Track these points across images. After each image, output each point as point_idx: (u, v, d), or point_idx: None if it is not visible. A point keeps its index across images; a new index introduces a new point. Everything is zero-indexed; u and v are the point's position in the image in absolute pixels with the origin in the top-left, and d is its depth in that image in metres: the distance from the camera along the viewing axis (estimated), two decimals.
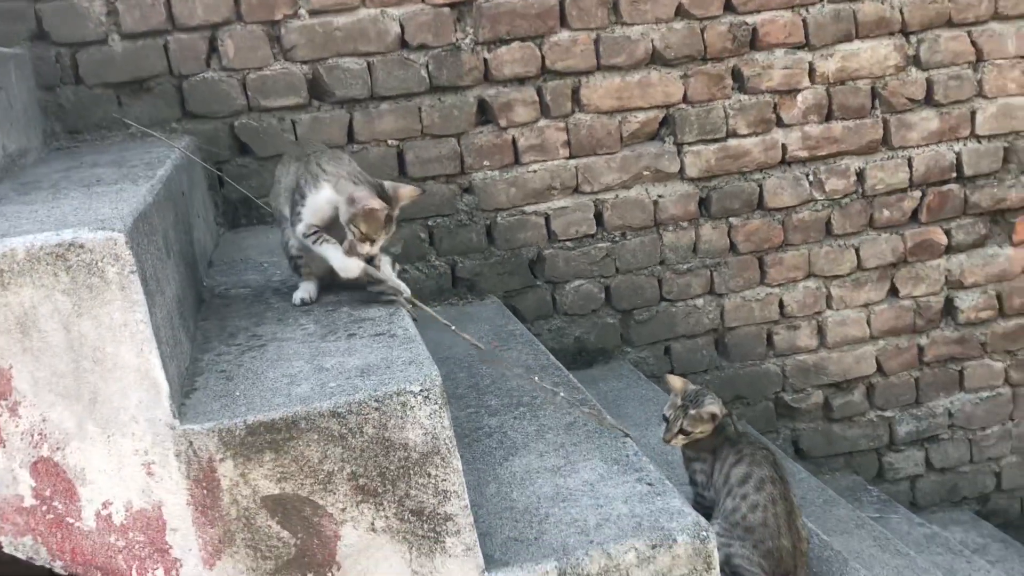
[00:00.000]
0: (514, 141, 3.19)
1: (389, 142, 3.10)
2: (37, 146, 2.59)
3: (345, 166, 2.01)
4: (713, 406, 2.18)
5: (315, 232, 1.97)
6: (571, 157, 3.24)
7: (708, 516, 2.15)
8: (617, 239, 3.34)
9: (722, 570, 1.85)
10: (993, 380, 3.79)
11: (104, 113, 2.88)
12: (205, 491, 1.52)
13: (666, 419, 2.24)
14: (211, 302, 2.15)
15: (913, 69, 3.45)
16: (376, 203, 1.89)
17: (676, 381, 2.28)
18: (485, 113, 3.17)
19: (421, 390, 1.55)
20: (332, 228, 1.98)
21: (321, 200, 1.96)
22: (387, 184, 2.00)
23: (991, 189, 3.60)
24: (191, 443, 1.50)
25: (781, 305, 3.54)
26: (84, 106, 2.87)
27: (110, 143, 2.73)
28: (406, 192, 2.00)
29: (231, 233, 2.92)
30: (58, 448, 1.48)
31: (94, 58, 2.87)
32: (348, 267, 1.95)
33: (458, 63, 3.09)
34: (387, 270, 2.08)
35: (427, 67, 3.08)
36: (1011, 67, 3.52)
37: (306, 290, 2.07)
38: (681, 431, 2.20)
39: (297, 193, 2.00)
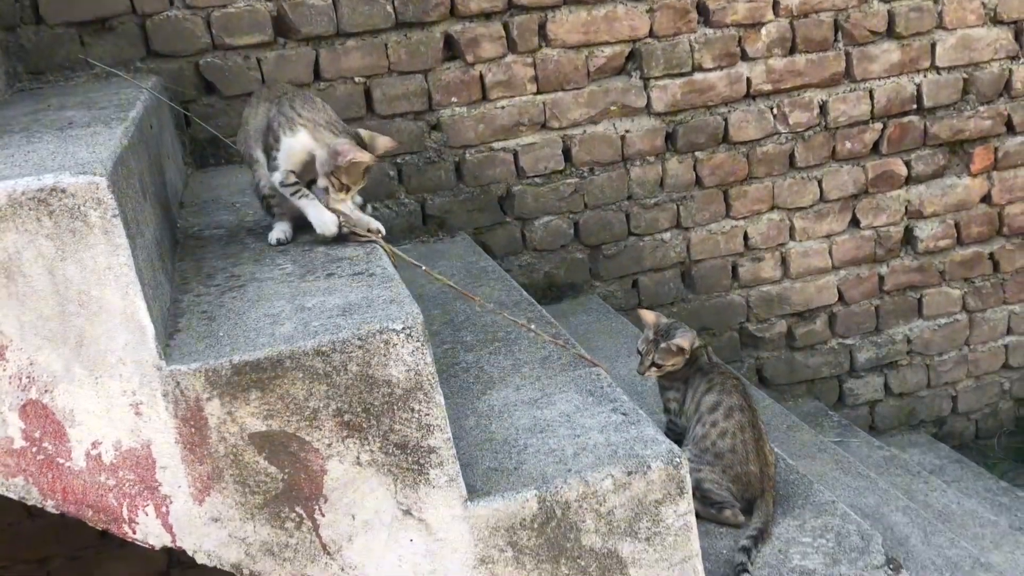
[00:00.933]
0: (481, 77, 3.19)
1: (356, 79, 3.09)
2: (1, 88, 2.56)
3: (321, 112, 2.00)
4: (682, 339, 2.23)
5: (295, 183, 1.97)
6: (538, 93, 3.25)
7: (679, 442, 2.22)
8: (585, 175, 3.36)
9: (692, 494, 1.92)
10: (951, 307, 3.89)
11: (67, 53, 2.84)
12: (193, 429, 1.55)
13: (640, 353, 2.29)
14: (186, 243, 2.15)
15: (875, 1, 3.47)
16: (364, 156, 1.90)
17: (648, 315, 2.33)
18: (452, 49, 3.16)
19: (403, 328, 1.58)
20: (304, 172, 1.99)
21: (297, 145, 1.96)
22: (363, 133, 2.01)
23: (950, 120, 3.66)
24: (178, 383, 1.52)
25: (745, 237, 3.59)
26: (46, 46, 2.83)
27: (75, 84, 2.69)
28: (383, 143, 2.01)
29: (200, 173, 2.91)
30: (46, 391, 1.50)
31: None
32: (327, 224, 1.98)
33: None
34: (357, 213, 2.09)
35: (393, 2, 3.06)
36: None
37: (281, 230, 2.08)
38: (653, 364, 2.25)
39: (271, 136, 1.99)
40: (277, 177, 1.99)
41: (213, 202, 2.50)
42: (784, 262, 3.66)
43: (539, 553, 1.71)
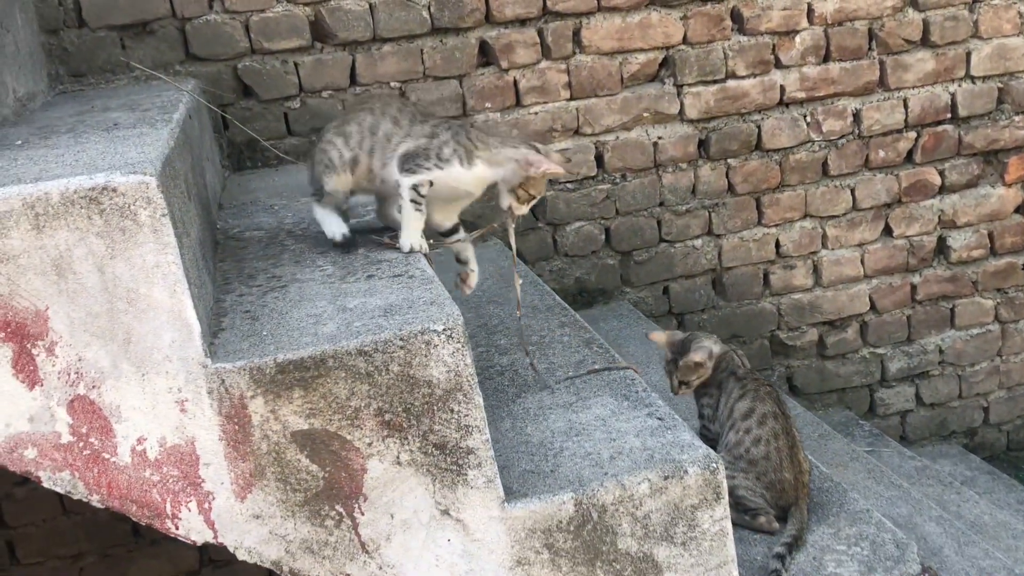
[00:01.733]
0: (515, 83, 3.20)
1: (392, 84, 3.11)
2: (43, 90, 2.60)
3: (491, 133, 2.05)
4: (696, 355, 2.25)
5: (422, 198, 1.97)
6: (572, 99, 3.26)
7: (713, 448, 2.22)
8: (617, 181, 3.37)
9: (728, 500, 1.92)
10: (983, 317, 3.87)
11: (108, 56, 2.88)
12: (237, 427, 1.56)
13: (668, 373, 2.31)
14: (226, 244, 2.17)
15: (910, 10, 3.46)
16: (557, 168, 1.94)
17: (659, 338, 2.35)
18: (487, 55, 3.18)
19: (444, 329, 1.59)
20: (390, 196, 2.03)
21: (467, 176, 1.96)
22: (539, 146, 2.01)
23: (985, 129, 3.64)
24: (223, 381, 1.54)
25: (777, 245, 3.59)
26: (88, 49, 2.87)
27: (115, 86, 2.73)
28: (555, 154, 2.01)
29: (237, 176, 2.94)
30: (94, 386, 1.52)
31: (97, 0, 2.86)
32: (418, 244, 1.97)
33: (459, 4, 3.09)
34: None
35: (429, 8, 3.08)
36: (1006, 8, 3.54)
37: (338, 225, 2.05)
38: (682, 383, 2.27)
39: (435, 157, 1.96)
40: (413, 180, 1.95)
41: (251, 204, 2.52)
42: (816, 270, 3.65)
43: (575, 556, 1.72)
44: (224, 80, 2.99)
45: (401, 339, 1.58)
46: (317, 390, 1.57)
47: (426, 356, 1.59)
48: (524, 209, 2.01)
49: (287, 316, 1.70)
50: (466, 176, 1.97)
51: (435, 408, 1.61)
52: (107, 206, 1.45)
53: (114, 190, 1.45)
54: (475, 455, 1.65)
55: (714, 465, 1.76)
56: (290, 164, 2.96)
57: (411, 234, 1.98)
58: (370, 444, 1.61)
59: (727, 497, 1.79)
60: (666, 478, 1.74)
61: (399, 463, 1.62)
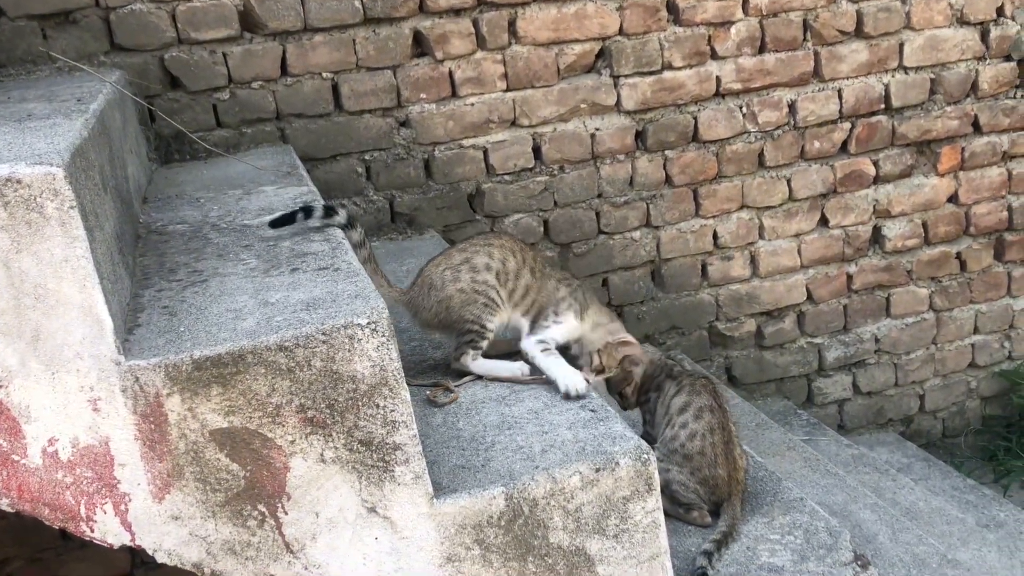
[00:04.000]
0: (451, 74, 3.17)
1: (324, 75, 3.06)
2: None
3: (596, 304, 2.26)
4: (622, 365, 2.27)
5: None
6: (508, 90, 3.23)
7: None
8: (555, 172, 3.35)
9: (661, 492, 1.91)
10: (918, 306, 3.92)
11: (28, 46, 2.79)
12: (153, 426, 1.52)
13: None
14: (148, 238, 2.12)
15: (844, 1, 3.48)
16: (638, 350, 2.22)
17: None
18: (421, 45, 3.14)
19: (368, 323, 1.56)
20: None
21: (576, 329, 2.20)
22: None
23: (918, 120, 3.68)
24: (137, 379, 1.49)
25: (715, 236, 3.59)
26: (7, 39, 2.78)
27: (37, 78, 2.64)
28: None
29: (164, 169, 2.87)
30: (1, 386, 1.46)
31: None
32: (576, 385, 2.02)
33: None
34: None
35: None
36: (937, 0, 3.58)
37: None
38: (620, 394, 2.28)
39: (552, 313, 2.16)
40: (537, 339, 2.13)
41: (177, 197, 2.46)
42: (753, 261, 3.67)
43: (506, 551, 1.70)
44: (151, 71, 2.92)
45: (324, 333, 1.54)
46: (236, 387, 1.52)
47: (349, 350, 1.55)
48: (598, 378, 2.21)
49: (206, 311, 1.66)
50: (575, 327, 2.19)
51: (360, 404, 1.58)
52: (11, 198, 1.40)
53: (19, 181, 1.40)
54: (402, 451, 1.62)
55: (645, 456, 1.75)
56: (219, 156, 2.90)
57: (561, 374, 2.04)
58: (292, 442, 1.57)
59: (659, 488, 1.78)
60: (598, 470, 1.73)
61: (323, 461, 1.59)
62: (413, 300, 2.17)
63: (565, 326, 2.16)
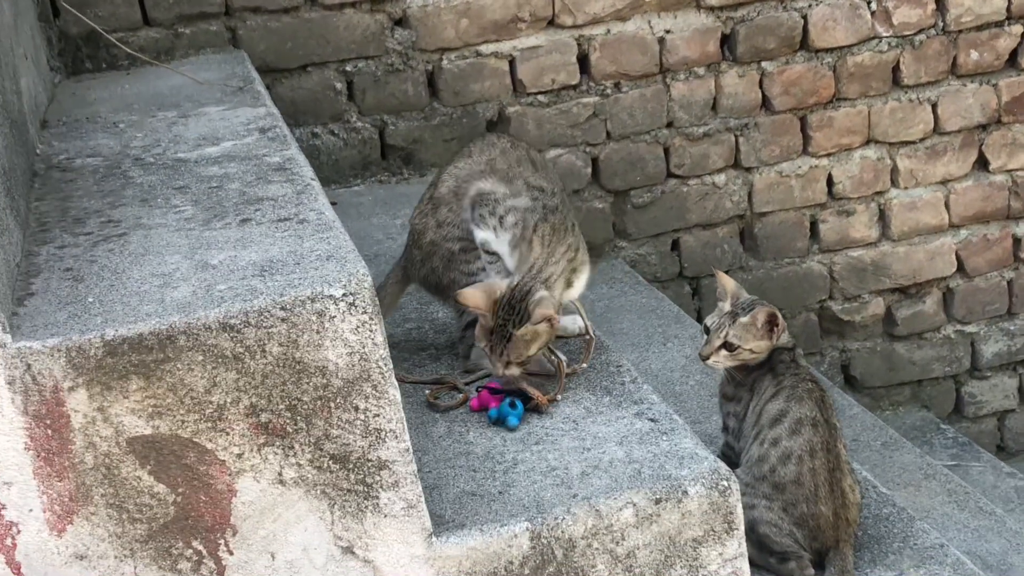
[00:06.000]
0: None
1: None
2: None
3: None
4: (773, 309, 2.23)
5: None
6: None
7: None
8: (608, 92, 3.35)
9: (746, 536, 1.90)
10: None
11: None
12: (50, 432, 1.53)
13: (707, 330, 2.27)
14: (47, 176, 2.14)
15: None
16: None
17: (729, 281, 2.31)
18: None
19: (344, 295, 1.57)
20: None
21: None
22: None
23: None
24: (28, 367, 1.51)
25: (830, 182, 3.58)
26: None
27: None
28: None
29: (71, 82, 2.90)
30: None
31: None
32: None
33: None
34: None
35: None
36: None
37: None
38: (725, 345, 2.23)
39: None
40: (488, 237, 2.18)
41: (89, 121, 2.49)
42: (883, 217, 3.65)
43: None
44: None
45: (283, 308, 1.55)
46: (163, 380, 1.54)
47: (318, 333, 1.56)
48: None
49: (125, 276, 1.67)
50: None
51: (332, 405, 1.59)
52: None
53: None
54: (389, 470, 1.63)
55: (725, 484, 1.76)
56: (146, 66, 2.91)
57: None
58: (240, 456, 1.58)
59: (743, 528, 1.78)
60: (658, 502, 1.73)
61: (282, 482, 1.60)
62: None
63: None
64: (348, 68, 3.18)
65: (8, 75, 2.11)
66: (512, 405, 1.99)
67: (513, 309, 2.01)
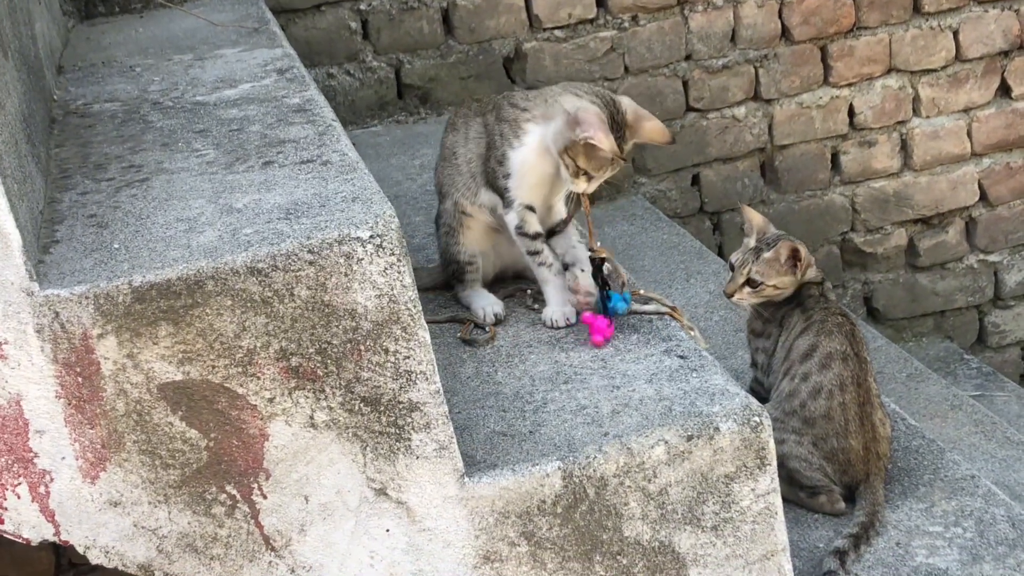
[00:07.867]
0: None
1: None
2: None
3: (555, 88, 2.06)
4: (797, 243, 2.22)
5: (536, 235, 2.06)
6: None
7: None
8: (626, 25, 3.33)
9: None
10: None
11: None
12: (80, 379, 1.54)
13: (732, 267, 2.27)
14: (66, 122, 2.14)
15: None
16: (604, 143, 1.90)
17: (756, 216, 2.31)
18: None
19: (372, 236, 1.56)
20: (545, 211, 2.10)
21: (529, 157, 2.02)
22: (625, 103, 2.01)
23: None
24: (57, 314, 1.51)
25: (851, 113, 3.56)
26: None
27: None
28: (651, 129, 2.02)
29: (85, 27, 2.89)
30: None
31: None
32: (555, 318, 2.06)
33: None
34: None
35: None
36: None
37: (488, 303, 2.13)
38: (749, 281, 2.23)
39: (494, 160, 2.05)
40: (512, 219, 2.06)
41: (104, 65, 2.48)
42: (905, 147, 3.63)
43: (564, 548, 1.72)
44: None
45: (310, 251, 1.55)
46: (193, 325, 1.54)
47: (346, 275, 1.56)
48: (582, 186, 2.00)
49: (149, 221, 1.67)
50: (526, 156, 2.03)
51: (361, 348, 1.59)
52: None
53: None
54: (421, 412, 1.63)
55: (757, 419, 1.75)
56: (160, 8, 2.90)
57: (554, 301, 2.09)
58: (271, 400, 1.59)
59: (775, 463, 1.78)
60: (690, 438, 1.73)
61: (313, 425, 1.61)
62: None
63: (514, 173, 2.08)
64: (362, 6, 3.17)
65: (23, 20, 2.09)
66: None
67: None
